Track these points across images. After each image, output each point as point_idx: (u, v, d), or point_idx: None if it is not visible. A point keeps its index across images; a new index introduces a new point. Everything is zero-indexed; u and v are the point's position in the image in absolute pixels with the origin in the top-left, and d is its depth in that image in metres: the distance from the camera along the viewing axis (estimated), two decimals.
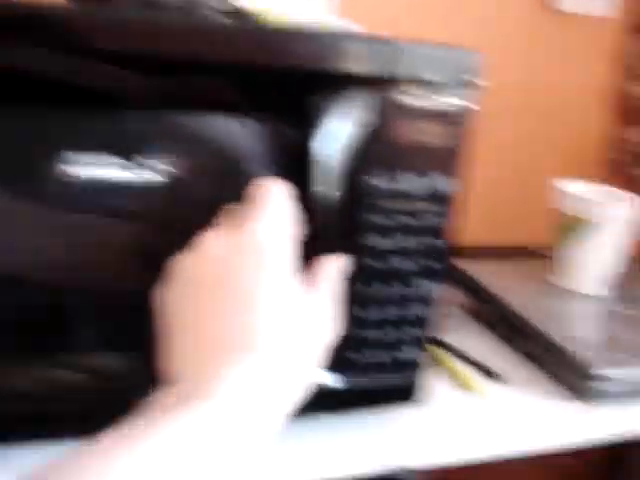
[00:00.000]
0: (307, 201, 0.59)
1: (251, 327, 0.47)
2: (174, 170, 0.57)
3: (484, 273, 1.04)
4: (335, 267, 0.56)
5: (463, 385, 0.84)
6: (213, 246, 0.50)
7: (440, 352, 0.90)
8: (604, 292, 1.05)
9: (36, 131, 0.54)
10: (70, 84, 0.52)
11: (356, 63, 0.58)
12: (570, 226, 1.02)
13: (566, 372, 0.86)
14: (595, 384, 0.83)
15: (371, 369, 0.64)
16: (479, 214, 1.33)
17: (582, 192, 1.03)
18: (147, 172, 0.56)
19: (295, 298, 0.50)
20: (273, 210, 0.52)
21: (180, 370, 0.47)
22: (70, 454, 0.40)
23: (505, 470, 1.56)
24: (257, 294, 0.48)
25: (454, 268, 1.06)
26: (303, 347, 0.49)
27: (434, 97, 0.62)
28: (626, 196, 1.07)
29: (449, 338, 0.94)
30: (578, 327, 0.97)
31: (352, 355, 0.66)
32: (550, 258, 1.07)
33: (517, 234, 1.30)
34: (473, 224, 1.32)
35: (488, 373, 0.88)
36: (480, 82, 0.63)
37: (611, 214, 1.01)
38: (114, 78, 0.53)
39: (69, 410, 0.60)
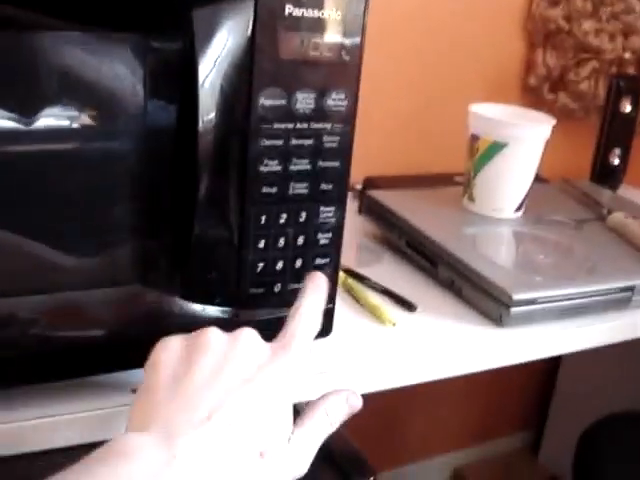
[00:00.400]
0: (194, 129, 0.55)
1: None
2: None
3: (398, 202, 1.01)
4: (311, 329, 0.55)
5: (377, 316, 0.82)
6: (246, 343, 0.51)
7: (353, 283, 0.87)
8: (518, 215, 1.04)
9: None
10: None
11: None
12: (484, 149, 1.00)
13: (484, 298, 0.84)
14: (515, 309, 0.81)
15: (280, 303, 0.61)
16: (399, 144, 1.31)
17: (495, 115, 1.01)
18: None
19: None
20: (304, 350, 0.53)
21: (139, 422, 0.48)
22: None
23: (444, 389, 1.58)
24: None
25: (368, 198, 1.04)
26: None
27: (322, 8, 0.58)
28: (537, 117, 1.05)
29: (363, 269, 0.92)
30: (494, 252, 0.95)
31: (253, 289, 0.62)
32: (465, 184, 1.05)
33: (438, 163, 1.28)
34: (391, 154, 1.30)
35: (403, 303, 0.86)
36: None
37: (523, 135, 0.99)
38: None
39: None
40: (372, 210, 1.03)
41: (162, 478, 0.43)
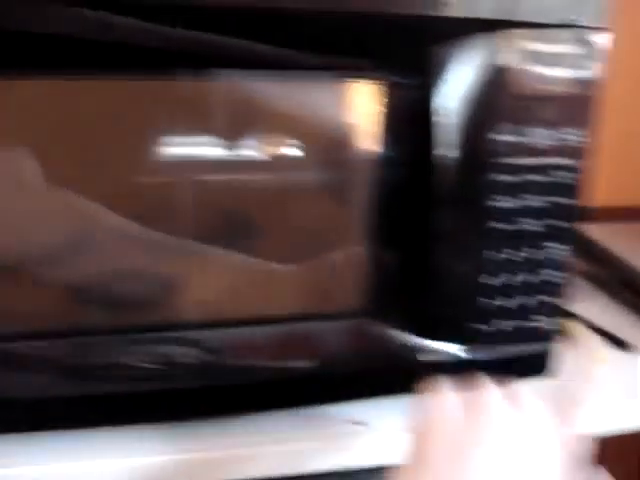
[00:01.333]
0: (428, 164, 0.55)
1: None
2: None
3: (609, 236, 0.97)
4: None
5: (594, 356, 0.79)
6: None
7: (567, 322, 0.84)
8: None
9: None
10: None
11: (474, 6, 0.54)
12: None
13: None
14: None
15: (499, 340, 0.60)
16: (608, 172, 1.25)
17: None
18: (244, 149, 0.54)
19: None
20: None
21: None
22: None
23: None
24: None
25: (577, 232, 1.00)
26: None
27: (559, 42, 0.57)
28: None
29: (573, 307, 0.88)
30: None
31: (479, 325, 0.62)
32: None
33: None
34: (602, 183, 1.24)
35: (617, 342, 0.82)
36: (607, 25, 0.57)
37: None
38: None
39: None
40: (582, 244, 0.99)
41: None
